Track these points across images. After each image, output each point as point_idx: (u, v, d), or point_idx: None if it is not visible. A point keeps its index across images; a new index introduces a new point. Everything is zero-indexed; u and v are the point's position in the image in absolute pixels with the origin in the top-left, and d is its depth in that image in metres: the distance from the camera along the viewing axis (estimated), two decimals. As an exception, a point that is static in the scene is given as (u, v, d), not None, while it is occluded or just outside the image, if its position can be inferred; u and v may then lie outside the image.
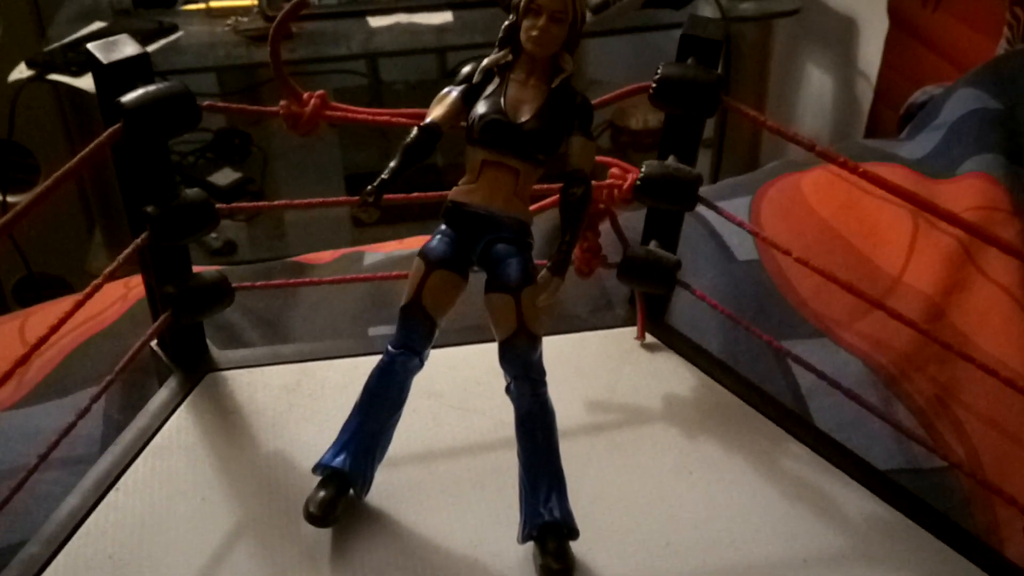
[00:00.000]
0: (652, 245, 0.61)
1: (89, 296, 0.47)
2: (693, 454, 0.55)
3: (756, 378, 0.62)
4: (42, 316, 0.78)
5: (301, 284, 0.75)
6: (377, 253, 0.88)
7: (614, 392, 0.59)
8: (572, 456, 0.49)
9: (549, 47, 0.45)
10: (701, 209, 0.58)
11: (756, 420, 0.58)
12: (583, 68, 1.98)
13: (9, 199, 1.79)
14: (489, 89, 0.47)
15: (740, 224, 0.59)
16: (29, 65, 1.55)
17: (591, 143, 0.48)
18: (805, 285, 0.78)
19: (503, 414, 0.50)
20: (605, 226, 0.62)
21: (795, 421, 0.58)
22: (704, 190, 0.82)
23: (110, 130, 0.46)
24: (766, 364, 0.69)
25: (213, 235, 1.82)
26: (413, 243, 0.89)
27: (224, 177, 1.96)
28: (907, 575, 0.50)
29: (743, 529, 0.51)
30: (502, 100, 0.46)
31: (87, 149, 0.44)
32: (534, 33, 0.45)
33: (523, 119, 0.46)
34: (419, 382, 0.50)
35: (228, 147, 2.03)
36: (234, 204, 0.61)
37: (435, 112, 0.48)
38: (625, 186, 0.57)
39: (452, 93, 0.48)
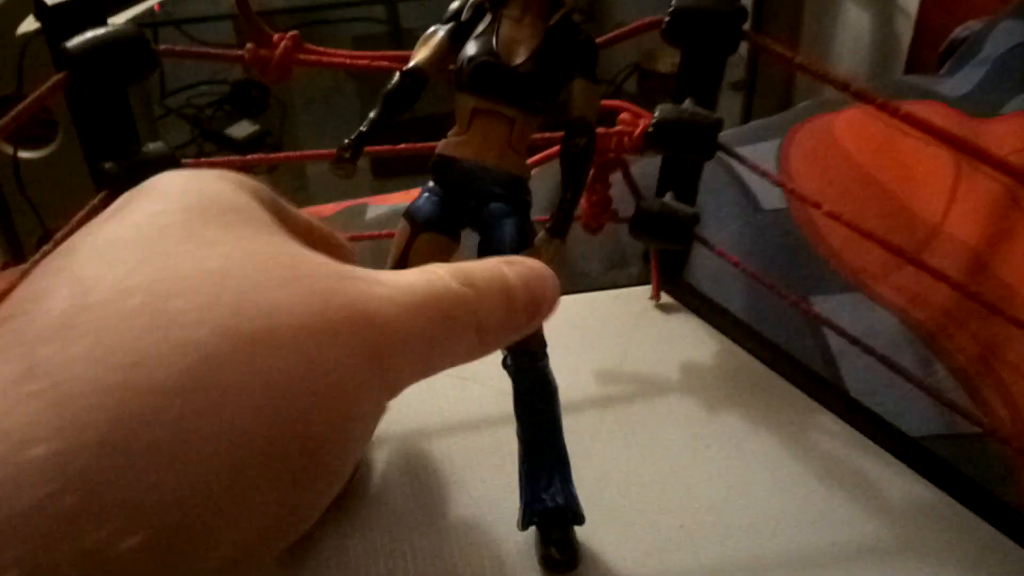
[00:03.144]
0: (668, 197, 0.56)
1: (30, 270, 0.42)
2: (711, 427, 0.51)
3: (783, 336, 0.58)
4: None
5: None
6: (381, 206, 0.84)
7: (625, 358, 0.55)
8: (578, 430, 0.45)
9: None
10: (724, 155, 0.54)
11: (782, 388, 0.53)
12: (609, 10, 1.92)
13: (23, 155, 1.76)
14: (480, 28, 0.42)
15: (764, 174, 0.53)
16: (37, 17, 1.51)
17: (596, 87, 0.43)
18: (837, 235, 0.72)
19: (503, 383, 0.45)
20: (616, 176, 0.57)
21: (825, 388, 0.53)
22: (729, 133, 0.77)
23: (53, 79, 0.41)
24: (794, 321, 0.64)
25: (233, 188, 1.79)
26: (419, 194, 0.84)
27: (241, 130, 1.93)
28: (950, 562, 0.45)
29: (765, 510, 0.47)
30: (494, 40, 0.41)
31: (26, 101, 0.40)
32: None
33: (518, 61, 0.41)
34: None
35: (246, 99, 2.00)
36: (250, 157, 0.57)
37: (419, 55, 0.43)
38: (636, 133, 0.52)
39: (438, 33, 0.43)
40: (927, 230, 0.73)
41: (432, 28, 0.43)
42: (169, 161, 0.48)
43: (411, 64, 0.43)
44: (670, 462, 0.49)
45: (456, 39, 0.42)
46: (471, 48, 0.41)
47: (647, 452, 0.50)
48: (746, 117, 1.71)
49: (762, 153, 0.81)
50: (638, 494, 0.47)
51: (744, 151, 0.81)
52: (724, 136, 0.54)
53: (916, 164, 0.80)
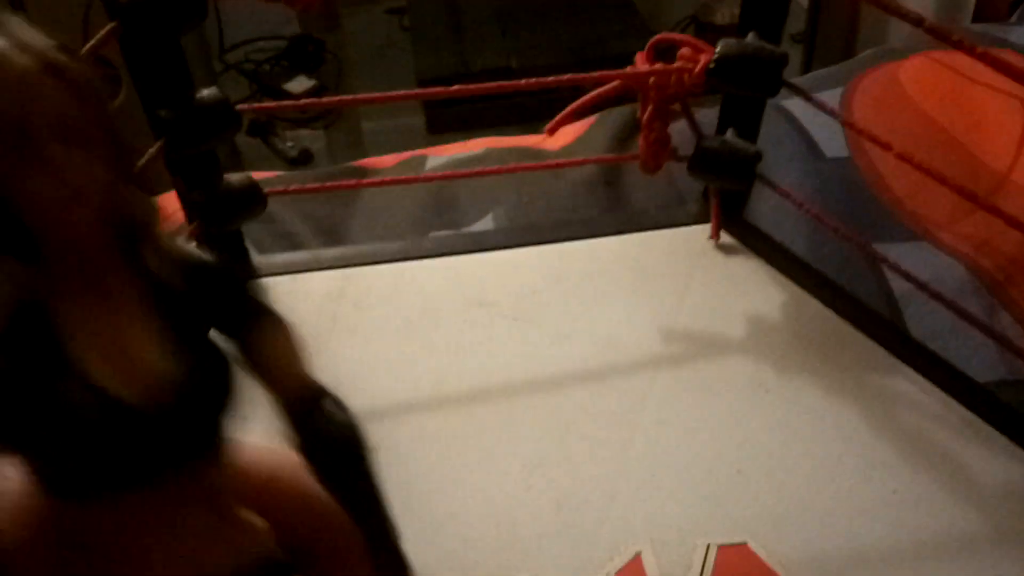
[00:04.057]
0: (729, 135, 0.54)
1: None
2: (770, 370, 0.50)
3: (845, 282, 0.57)
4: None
5: (350, 187, 0.70)
6: (440, 157, 0.84)
7: (683, 299, 0.54)
8: (635, 374, 0.45)
9: (99, 214, 0.22)
10: (786, 102, 0.52)
11: (844, 331, 0.52)
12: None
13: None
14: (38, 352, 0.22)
15: (833, 114, 0.52)
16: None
17: (288, 325, 0.29)
18: (901, 184, 0.71)
19: (561, 325, 0.45)
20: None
21: (888, 330, 0.52)
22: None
23: (105, 29, 0.41)
24: (856, 268, 0.62)
25: (289, 143, 1.80)
26: (476, 145, 0.84)
27: (298, 85, 1.93)
28: (1015, 511, 0.44)
29: (824, 455, 0.46)
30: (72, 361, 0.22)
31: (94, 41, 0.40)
32: (64, 194, 0.21)
33: (152, 383, 0.23)
34: (471, 290, 0.46)
35: (302, 55, 2.00)
36: (304, 101, 0.56)
37: None
38: (697, 69, 0.51)
39: None
40: (994, 178, 0.71)
41: None
42: (223, 106, 0.48)
43: None
44: (727, 405, 0.48)
45: None
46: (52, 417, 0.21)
47: (704, 395, 0.49)
48: (806, 69, 1.67)
49: (824, 102, 0.79)
50: (696, 437, 0.47)
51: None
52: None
53: (984, 112, 0.77)
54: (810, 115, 0.77)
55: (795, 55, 1.70)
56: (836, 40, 1.69)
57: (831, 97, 0.81)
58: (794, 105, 0.78)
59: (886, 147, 0.48)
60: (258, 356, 0.26)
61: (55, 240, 0.21)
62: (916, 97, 0.80)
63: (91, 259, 0.22)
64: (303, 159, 1.84)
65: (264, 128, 1.71)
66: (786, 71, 0.51)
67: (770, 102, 0.56)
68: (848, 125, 0.53)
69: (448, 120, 1.74)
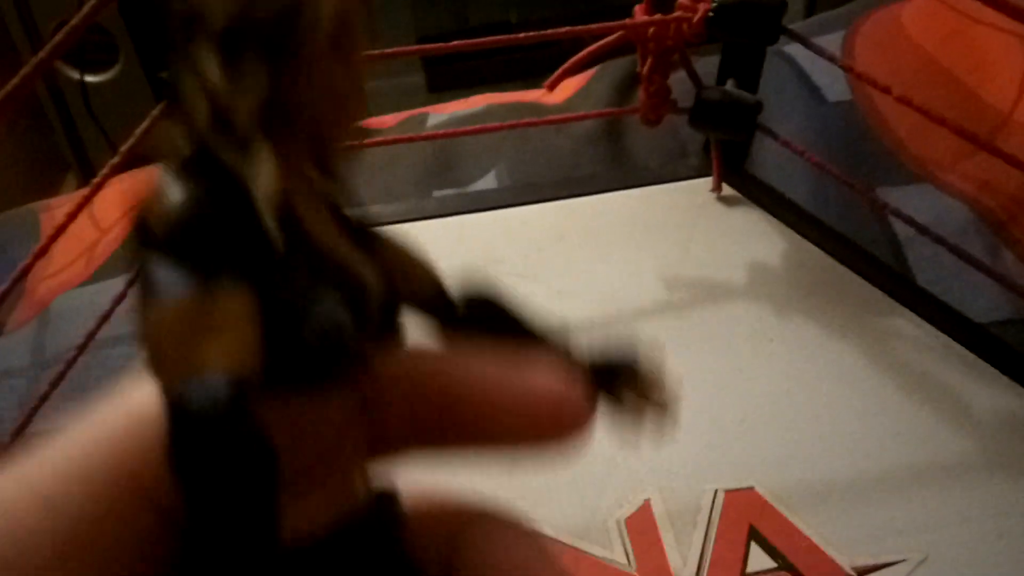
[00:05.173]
0: (729, 85, 0.54)
1: (107, 178, 0.43)
2: (773, 320, 0.50)
3: (849, 227, 0.57)
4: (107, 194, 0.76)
5: (353, 148, 0.70)
6: (441, 114, 0.84)
7: (686, 253, 0.54)
8: (640, 328, 0.45)
9: None
10: (787, 47, 0.52)
11: (847, 279, 0.52)
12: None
13: (89, 79, 1.78)
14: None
15: (832, 59, 0.52)
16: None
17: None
18: (903, 125, 0.70)
19: (566, 282, 0.46)
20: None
21: (891, 278, 0.53)
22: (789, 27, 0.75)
23: None
24: (859, 212, 0.63)
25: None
26: (478, 101, 0.84)
27: (297, 43, 1.93)
28: (1017, 447, 0.45)
29: (827, 403, 0.47)
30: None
31: (81, 13, 0.39)
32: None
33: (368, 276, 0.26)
34: (476, 249, 0.46)
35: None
36: None
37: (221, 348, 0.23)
38: (695, 19, 0.50)
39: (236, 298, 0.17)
40: (997, 118, 0.71)
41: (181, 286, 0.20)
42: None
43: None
44: (731, 355, 0.49)
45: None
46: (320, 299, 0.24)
47: (708, 345, 0.49)
48: (809, 13, 1.65)
49: (826, 45, 0.79)
50: (699, 387, 0.47)
51: (807, 44, 0.79)
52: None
53: (986, 52, 0.77)
54: (811, 60, 0.76)
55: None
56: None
57: (833, 40, 0.81)
58: (795, 50, 0.77)
59: (885, 90, 0.48)
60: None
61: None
62: (918, 38, 0.80)
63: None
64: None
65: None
66: (789, 14, 0.51)
67: (771, 48, 0.56)
68: (847, 70, 0.52)
69: (449, 77, 1.74)
